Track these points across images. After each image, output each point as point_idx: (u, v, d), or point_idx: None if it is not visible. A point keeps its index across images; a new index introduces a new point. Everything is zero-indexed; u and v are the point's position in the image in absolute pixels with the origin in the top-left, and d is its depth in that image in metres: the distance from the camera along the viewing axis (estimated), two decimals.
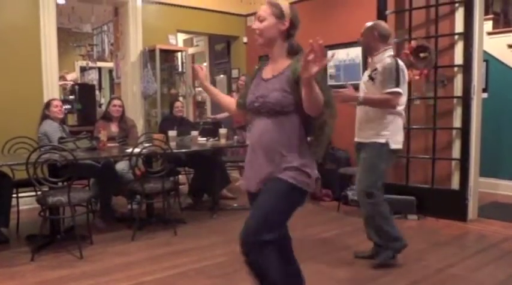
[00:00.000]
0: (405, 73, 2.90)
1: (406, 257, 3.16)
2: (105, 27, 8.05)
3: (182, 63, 5.88)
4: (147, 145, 3.82)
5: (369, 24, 3.02)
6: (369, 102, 2.90)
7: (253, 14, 6.23)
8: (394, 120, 2.91)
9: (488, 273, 2.87)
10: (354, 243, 3.48)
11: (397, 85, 2.80)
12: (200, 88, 8.29)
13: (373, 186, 2.93)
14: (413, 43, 4.19)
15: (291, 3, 1.89)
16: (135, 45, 5.32)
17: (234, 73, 6.66)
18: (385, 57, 2.89)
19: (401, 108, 2.93)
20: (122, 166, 4.10)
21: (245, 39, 6.48)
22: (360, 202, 3.04)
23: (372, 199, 2.93)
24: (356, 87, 3.05)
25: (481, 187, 4.46)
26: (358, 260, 3.10)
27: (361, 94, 2.99)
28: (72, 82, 7.66)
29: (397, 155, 3.05)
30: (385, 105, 2.85)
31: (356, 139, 3.09)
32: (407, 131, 4.39)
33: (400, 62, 2.88)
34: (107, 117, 4.41)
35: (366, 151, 2.96)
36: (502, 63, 5.22)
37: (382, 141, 2.90)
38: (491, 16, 5.46)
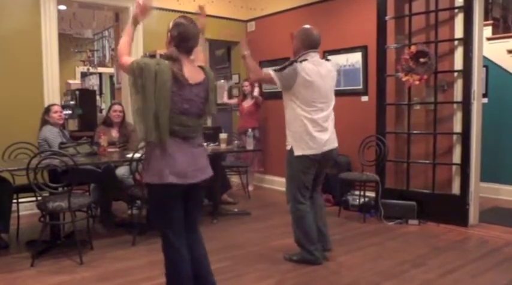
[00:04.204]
0: (298, 74, 2.91)
1: (408, 262, 3.15)
2: (106, 33, 8.10)
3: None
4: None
5: (299, 29, 3.11)
6: (248, 60, 3.05)
7: (254, 19, 6.31)
8: (298, 127, 2.97)
9: (490, 279, 2.86)
10: (355, 248, 3.47)
11: (276, 71, 2.99)
12: None
13: (289, 193, 3.11)
14: (413, 48, 4.20)
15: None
16: (135, 51, 5.32)
17: (235, 78, 6.67)
18: (297, 60, 3.02)
19: (308, 114, 2.96)
20: (122, 171, 4.09)
21: None
22: None
23: (289, 203, 3.13)
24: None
25: (482, 192, 4.46)
26: (359, 266, 3.09)
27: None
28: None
29: (310, 161, 3.01)
30: (251, 72, 3.09)
31: None
32: (408, 136, 4.41)
33: (302, 65, 2.94)
34: (108, 122, 4.41)
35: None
36: (502, 68, 5.24)
37: (288, 147, 3.06)
38: (490, 22, 5.49)
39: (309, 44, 3.04)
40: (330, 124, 3.06)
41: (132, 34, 2.20)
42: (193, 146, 2.17)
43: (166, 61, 2.05)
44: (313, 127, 2.96)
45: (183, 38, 2.12)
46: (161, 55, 2.10)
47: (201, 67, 2.23)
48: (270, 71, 3.03)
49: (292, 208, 3.11)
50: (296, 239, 3.15)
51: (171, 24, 2.16)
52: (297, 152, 2.99)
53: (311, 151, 2.97)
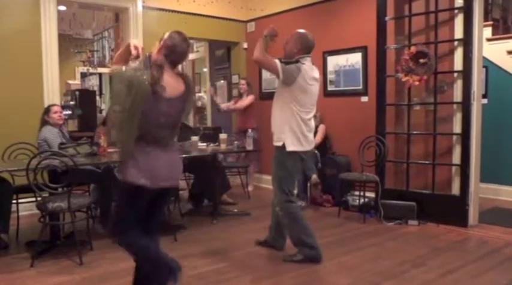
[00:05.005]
0: (300, 74, 2.97)
1: (407, 262, 3.15)
2: (106, 33, 8.10)
3: (182, 68, 5.88)
4: None
5: (295, 32, 3.15)
6: (262, 41, 3.03)
7: (254, 19, 6.31)
8: (295, 126, 3.03)
9: (489, 279, 2.86)
10: (355, 248, 3.47)
11: (282, 63, 2.98)
12: (200, 94, 8.31)
13: (279, 194, 3.12)
14: (413, 49, 4.20)
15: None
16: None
17: (234, 78, 6.67)
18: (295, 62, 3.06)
19: (302, 114, 3.04)
20: None
21: (245, 45, 6.50)
22: None
23: (277, 206, 3.16)
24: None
25: (482, 192, 4.46)
26: (359, 266, 3.09)
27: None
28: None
29: (300, 159, 3.10)
30: (257, 51, 2.99)
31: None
32: (407, 136, 4.40)
33: (304, 67, 3.00)
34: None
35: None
36: (502, 69, 5.24)
37: (279, 143, 3.09)
38: (490, 22, 5.49)
39: (306, 48, 3.10)
40: (313, 125, 3.21)
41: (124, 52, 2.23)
42: (170, 152, 2.21)
43: (145, 73, 2.02)
44: (306, 127, 3.08)
45: (174, 50, 2.15)
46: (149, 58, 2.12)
47: (183, 77, 2.23)
48: (276, 60, 3.03)
49: (284, 209, 3.12)
50: (295, 239, 3.15)
51: (166, 35, 2.19)
52: (289, 148, 3.04)
53: (302, 148, 3.07)
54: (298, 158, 3.09)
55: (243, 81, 5.76)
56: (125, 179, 2.13)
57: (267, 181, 6.14)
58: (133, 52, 2.15)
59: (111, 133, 2.10)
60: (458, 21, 4.09)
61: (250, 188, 5.77)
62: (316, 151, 3.23)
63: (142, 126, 2.04)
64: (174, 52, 2.15)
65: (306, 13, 5.51)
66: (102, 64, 8.55)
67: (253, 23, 6.38)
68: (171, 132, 2.22)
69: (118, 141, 2.13)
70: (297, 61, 3.02)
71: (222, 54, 7.25)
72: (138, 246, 2.23)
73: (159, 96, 2.04)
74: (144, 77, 2.00)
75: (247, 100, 5.61)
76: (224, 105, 5.84)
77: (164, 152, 2.17)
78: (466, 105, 4.02)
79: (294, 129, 3.04)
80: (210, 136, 4.74)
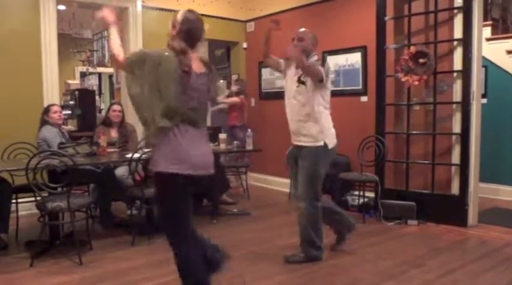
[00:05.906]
0: (329, 72, 3.09)
1: (407, 262, 3.15)
2: (106, 33, 8.10)
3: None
4: (146, 150, 3.81)
5: (306, 30, 3.19)
6: (303, 64, 2.97)
7: (253, 19, 6.31)
8: (330, 122, 3.11)
9: (489, 279, 2.86)
10: (355, 248, 3.47)
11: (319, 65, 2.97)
12: None
13: (310, 192, 3.12)
14: (413, 49, 4.21)
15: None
16: (135, 51, 5.34)
17: (234, 78, 6.68)
18: (313, 60, 3.07)
19: (328, 110, 3.12)
20: (121, 171, 4.09)
21: (245, 45, 6.50)
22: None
23: (303, 203, 3.12)
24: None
25: (482, 192, 4.46)
26: (358, 266, 3.09)
27: (290, 99, 3.13)
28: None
29: (333, 153, 3.17)
30: (313, 73, 2.94)
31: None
32: (407, 136, 4.41)
33: (327, 63, 3.09)
34: (107, 123, 4.41)
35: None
36: (501, 68, 5.24)
37: (319, 143, 3.05)
38: (489, 22, 5.49)
39: (317, 45, 3.16)
40: None
41: (116, 37, 2.30)
42: (204, 137, 2.23)
43: (171, 52, 2.07)
44: (331, 121, 3.13)
45: (191, 34, 2.15)
46: (168, 46, 2.12)
47: (201, 59, 2.26)
48: (318, 66, 3.00)
49: (311, 207, 3.08)
50: (304, 237, 3.13)
51: (180, 18, 2.16)
52: (330, 144, 3.07)
53: (335, 142, 3.12)
54: (334, 153, 3.15)
55: (234, 84, 5.89)
56: (156, 170, 2.09)
57: (269, 182, 6.14)
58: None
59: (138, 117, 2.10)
60: (458, 21, 4.09)
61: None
62: None
63: (178, 104, 2.04)
64: (191, 36, 2.16)
65: (305, 13, 5.51)
66: (101, 64, 8.55)
67: (252, 23, 6.38)
68: (203, 112, 2.22)
69: (143, 122, 2.09)
70: (324, 60, 3.08)
71: (221, 53, 7.26)
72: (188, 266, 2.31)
73: (190, 72, 2.06)
74: (173, 58, 2.03)
75: (231, 98, 5.65)
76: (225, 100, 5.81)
77: (200, 136, 2.17)
78: (465, 105, 4.02)
79: (328, 125, 3.09)
80: (210, 136, 4.73)
